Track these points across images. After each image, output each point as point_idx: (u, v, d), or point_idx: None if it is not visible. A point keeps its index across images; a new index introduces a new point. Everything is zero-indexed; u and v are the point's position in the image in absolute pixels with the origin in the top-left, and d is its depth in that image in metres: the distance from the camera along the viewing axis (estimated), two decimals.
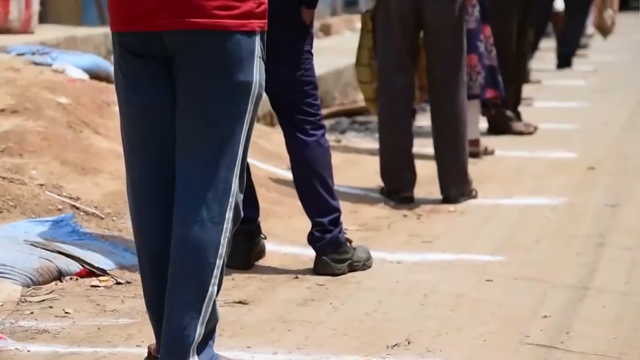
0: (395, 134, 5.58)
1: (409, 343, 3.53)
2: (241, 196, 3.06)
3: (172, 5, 2.93)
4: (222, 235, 2.99)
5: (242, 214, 3.09)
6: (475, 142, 6.51)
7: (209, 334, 3.04)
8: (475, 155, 6.44)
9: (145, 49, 2.99)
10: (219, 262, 2.99)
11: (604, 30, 10.19)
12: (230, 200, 2.99)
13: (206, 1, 2.92)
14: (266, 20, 3.02)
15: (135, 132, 3.08)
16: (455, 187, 5.55)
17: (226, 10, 2.93)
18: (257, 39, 2.99)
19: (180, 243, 2.98)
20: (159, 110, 3.03)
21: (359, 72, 5.91)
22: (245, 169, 3.07)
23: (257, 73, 3.00)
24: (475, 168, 6.17)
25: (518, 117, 7.64)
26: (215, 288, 3.00)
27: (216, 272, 2.99)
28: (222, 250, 2.99)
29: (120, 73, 3.06)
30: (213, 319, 3.04)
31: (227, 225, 3.00)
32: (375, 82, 5.76)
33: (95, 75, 6.16)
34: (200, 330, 2.98)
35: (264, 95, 3.14)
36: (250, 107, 3.00)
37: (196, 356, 2.99)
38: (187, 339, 2.96)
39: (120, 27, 3.01)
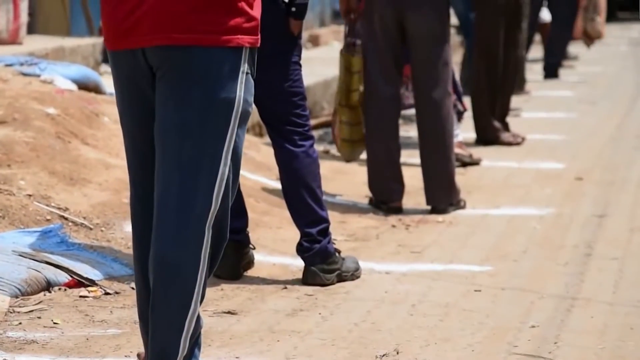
0: (382, 144, 5.59)
1: (397, 353, 3.54)
2: (227, 215, 3.03)
3: (153, 21, 2.90)
4: (202, 252, 2.95)
5: (227, 235, 3.06)
6: (458, 145, 6.52)
7: (195, 344, 3.04)
8: (460, 159, 6.45)
9: (132, 65, 2.98)
10: (200, 279, 2.97)
11: (590, 37, 10.22)
12: (209, 217, 2.95)
13: (189, 16, 2.89)
14: (258, 37, 2.97)
15: (129, 144, 3.09)
16: (442, 197, 5.56)
17: (210, 25, 2.89)
18: (244, 55, 2.95)
19: (159, 261, 2.95)
20: (149, 125, 3.02)
21: (340, 111, 5.72)
22: (234, 183, 3.05)
23: (242, 89, 2.95)
24: (463, 178, 6.18)
25: (506, 127, 7.67)
26: (198, 304, 2.99)
27: (197, 289, 2.97)
28: (203, 266, 2.96)
29: (116, 89, 3.07)
30: (197, 329, 3.04)
31: (207, 243, 2.96)
32: (354, 123, 5.63)
33: (84, 85, 6.16)
34: (185, 345, 2.98)
35: (253, 106, 3.12)
36: (233, 124, 2.95)
37: None
38: (171, 356, 2.96)
39: (110, 45, 3.02)
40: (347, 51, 5.56)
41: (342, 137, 5.65)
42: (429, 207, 5.58)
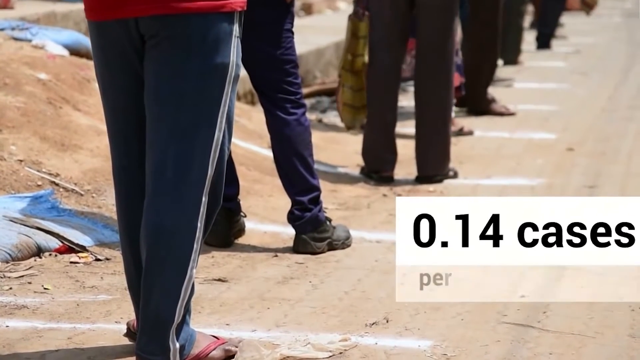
0: (379, 114, 5.58)
1: (387, 321, 3.55)
2: (222, 179, 3.03)
3: None
4: (199, 220, 2.96)
5: (221, 200, 3.06)
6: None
7: (186, 310, 3.04)
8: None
9: (121, 35, 2.95)
10: (196, 246, 2.97)
11: (588, 4, 10.22)
12: (206, 184, 2.96)
13: None
14: (246, 0, 2.99)
15: (113, 117, 3.07)
16: (435, 166, 5.56)
17: None
18: (236, 19, 2.96)
19: (154, 230, 2.94)
20: (137, 95, 3.01)
21: (343, 75, 5.69)
22: (227, 150, 3.05)
23: (234, 54, 2.96)
24: (455, 148, 6.18)
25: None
26: (194, 271, 2.99)
27: (194, 255, 2.97)
28: (199, 233, 2.97)
29: (99, 60, 3.04)
30: (191, 296, 3.04)
31: (203, 209, 2.96)
32: (357, 89, 5.60)
33: (75, 51, 6.13)
34: (180, 312, 2.98)
35: (245, 73, 3.11)
36: (227, 89, 2.96)
37: (175, 339, 2.99)
38: (166, 323, 2.96)
39: (96, 16, 2.98)
40: (356, 16, 5.56)
41: (344, 101, 5.66)
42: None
